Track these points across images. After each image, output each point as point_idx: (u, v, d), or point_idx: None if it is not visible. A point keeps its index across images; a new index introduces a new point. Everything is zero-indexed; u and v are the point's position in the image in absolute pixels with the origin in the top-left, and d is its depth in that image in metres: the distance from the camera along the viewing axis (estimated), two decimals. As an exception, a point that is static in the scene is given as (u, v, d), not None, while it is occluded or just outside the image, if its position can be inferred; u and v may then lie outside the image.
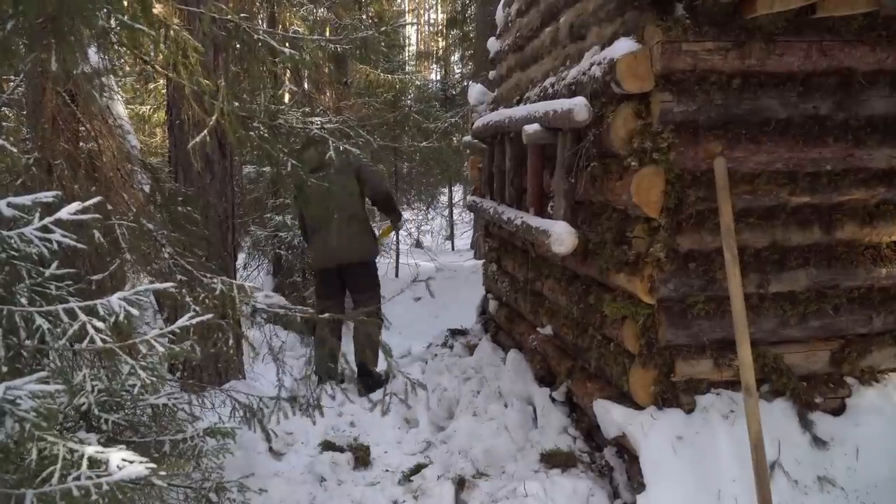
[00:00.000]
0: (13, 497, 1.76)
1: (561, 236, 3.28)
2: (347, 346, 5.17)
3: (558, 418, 3.69)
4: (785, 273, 3.01)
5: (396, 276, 10.17)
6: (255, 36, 3.03)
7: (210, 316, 2.21)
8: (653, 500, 2.78)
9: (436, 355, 5.81)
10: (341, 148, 4.02)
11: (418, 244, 13.42)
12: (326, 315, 3.41)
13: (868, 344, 3.10)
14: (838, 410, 3.06)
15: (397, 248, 10.98)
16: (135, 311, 1.94)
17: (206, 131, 3.41)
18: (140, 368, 2.15)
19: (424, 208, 13.91)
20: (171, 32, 2.84)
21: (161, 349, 2.00)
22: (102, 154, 3.23)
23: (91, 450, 1.86)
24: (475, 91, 5.88)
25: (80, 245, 1.93)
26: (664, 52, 2.77)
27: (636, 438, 2.92)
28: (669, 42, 2.77)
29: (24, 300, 2.01)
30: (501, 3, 5.63)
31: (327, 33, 8.76)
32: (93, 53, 3.04)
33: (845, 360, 3.09)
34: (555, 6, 4.15)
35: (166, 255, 3.23)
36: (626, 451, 3.11)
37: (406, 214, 12.85)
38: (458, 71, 15.63)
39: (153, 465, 1.80)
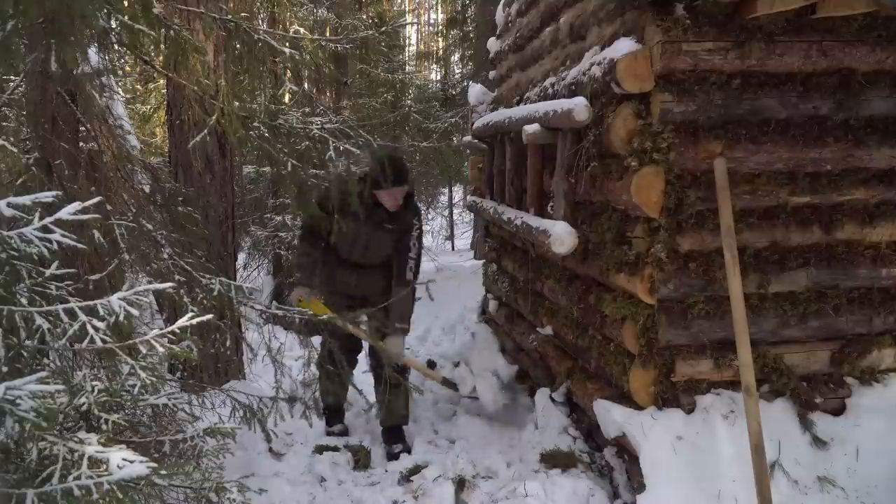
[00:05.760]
0: (14, 497, 1.76)
1: (561, 236, 3.28)
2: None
3: (558, 418, 3.69)
4: (785, 273, 3.01)
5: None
6: (255, 36, 3.03)
7: (210, 316, 2.20)
8: (653, 500, 2.78)
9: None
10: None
11: (418, 244, 13.39)
12: (324, 317, 3.39)
13: (868, 344, 3.10)
14: (838, 410, 3.06)
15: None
16: (135, 312, 1.94)
17: (206, 131, 3.41)
18: (140, 368, 2.14)
19: (424, 208, 13.91)
20: (171, 32, 2.84)
21: (161, 349, 2.00)
22: (102, 154, 3.23)
23: (91, 450, 1.86)
24: (475, 91, 5.88)
25: (80, 245, 1.93)
26: (664, 52, 2.77)
27: (636, 438, 2.92)
28: (669, 42, 2.77)
29: (24, 300, 2.01)
30: (501, 3, 5.63)
31: (327, 33, 8.76)
32: (93, 53, 3.04)
33: (845, 360, 3.09)
34: (555, 6, 4.15)
35: (166, 256, 3.22)
36: (626, 451, 3.11)
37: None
38: (458, 71, 15.63)
39: (153, 465, 1.80)
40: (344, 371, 3.32)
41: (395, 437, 4.10)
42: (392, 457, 3.97)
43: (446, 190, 14.48)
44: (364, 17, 9.92)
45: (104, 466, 1.81)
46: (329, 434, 4.29)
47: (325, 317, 3.11)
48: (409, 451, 4.00)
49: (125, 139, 3.68)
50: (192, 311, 2.48)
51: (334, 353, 3.20)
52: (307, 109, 6.84)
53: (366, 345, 4.18)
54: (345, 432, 4.33)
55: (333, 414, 4.35)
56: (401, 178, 3.78)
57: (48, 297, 2.14)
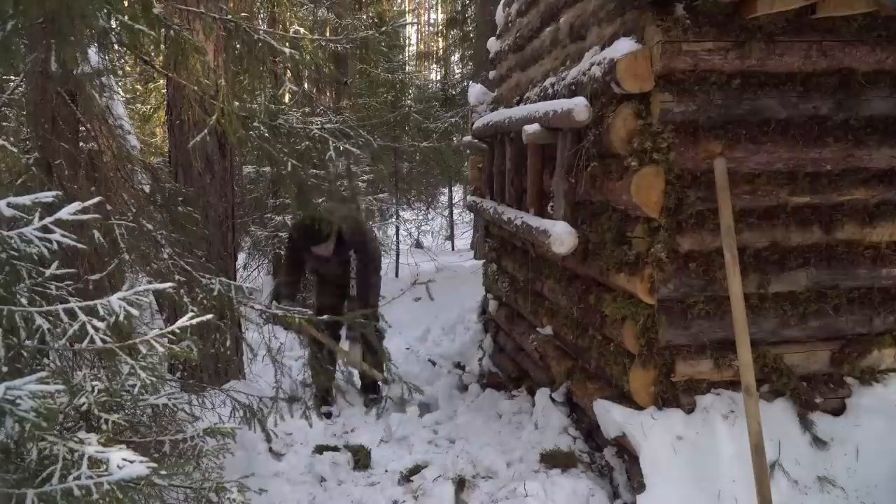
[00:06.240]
0: (14, 497, 1.76)
1: (561, 236, 3.28)
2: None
3: (558, 418, 3.69)
4: (785, 273, 3.01)
5: (397, 276, 10.17)
6: (255, 36, 3.03)
7: (210, 316, 2.20)
8: (653, 500, 2.78)
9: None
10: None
11: (418, 244, 13.42)
12: (324, 317, 3.42)
13: (868, 344, 3.10)
14: (838, 410, 3.06)
15: (397, 249, 10.98)
16: (135, 312, 1.94)
17: (206, 131, 3.41)
18: (140, 368, 2.15)
19: (424, 208, 13.91)
20: (171, 32, 2.85)
21: (161, 349, 2.00)
22: (102, 154, 3.23)
23: (91, 450, 1.86)
24: (475, 91, 5.88)
25: (80, 245, 1.93)
26: (664, 52, 2.77)
27: (636, 438, 2.92)
28: (669, 42, 2.77)
29: (24, 300, 2.01)
30: (501, 3, 5.63)
31: (327, 33, 8.76)
32: (93, 53, 3.04)
33: (845, 360, 3.09)
34: (555, 6, 4.15)
35: (166, 256, 3.22)
36: (626, 451, 3.11)
37: (406, 214, 12.84)
38: (458, 71, 15.63)
39: (153, 465, 1.80)
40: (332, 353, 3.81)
41: (373, 389, 5.00)
42: (369, 402, 4.88)
43: (446, 190, 14.48)
44: (364, 17, 9.91)
45: (104, 466, 1.81)
46: (322, 412, 4.64)
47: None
48: (381, 400, 4.83)
49: (125, 139, 3.68)
50: (192, 311, 2.48)
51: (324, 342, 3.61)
52: (307, 109, 6.84)
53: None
54: (330, 415, 4.67)
55: (325, 394, 4.78)
56: (316, 240, 4.57)
57: (48, 297, 2.14)
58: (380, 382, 4.88)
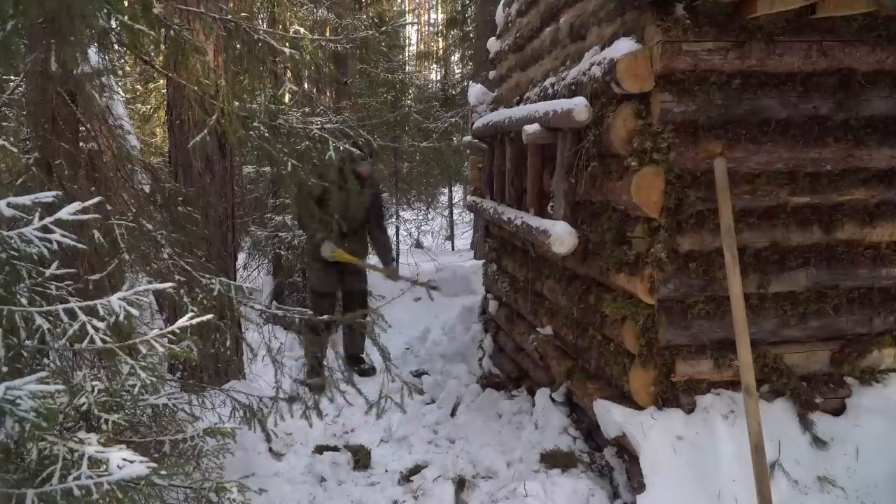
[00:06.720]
0: (14, 497, 1.76)
1: (561, 236, 3.29)
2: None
3: (558, 418, 3.69)
4: (785, 273, 3.01)
5: (396, 276, 10.14)
6: (255, 36, 3.03)
7: (210, 316, 2.20)
8: (653, 500, 2.78)
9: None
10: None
11: (418, 244, 13.42)
12: (324, 317, 3.43)
13: (868, 344, 3.10)
14: (838, 410, 3.06)
15: (397, 249, 10.97)
16: (135, 312, 1.94)
17: (206, 131, 3.41)
18: (140, 368, 2.15)
19: (424, 208, 13.91)
20: (171, 32, 2.84)
21: (161, 349, 2.00)
22: (102, 154, 3.23)
23: (91, 450, 1.87)
24: (475, 91, 5.88)
25: (80, 245, 1.93)
26: (664, 52, 2.77)
27: (636, 438, 2.92)
28: (669, 42, 2.78)
29: (24, 300, 2.01)
30: (501, 3, 5.63)
31: (327, 33, 8.76)
32: (93, 53, 3.04)
33: (845, 360, 3.09)
34: (555, 6, 4.15)
35: (166, 256, 3.22)
36: (626, 451, 3.11)
37: (406, 214, 12.84)
38: (458, 71, 15.63)
39: (153, 465, 1.80)
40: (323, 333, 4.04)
41: (357, 361, 5.40)
42: (362, 373, 5.19)
43: (446, 190, 14.48)
44: (364, 17, 9.90)
45: (104, 466, 1.81)
46: (305, 384, 4.64)
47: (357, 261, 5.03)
48: (372, 369, 5.26)
49: (125, 139, 3.67)
50: (192, 311, 2.47)
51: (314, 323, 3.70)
52: (307, 109, 6.84)
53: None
54: (321, 388, 4.56)
55: (315, 367, 4.85)
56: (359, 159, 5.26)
57: (48, 297, 2.14)
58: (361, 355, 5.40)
